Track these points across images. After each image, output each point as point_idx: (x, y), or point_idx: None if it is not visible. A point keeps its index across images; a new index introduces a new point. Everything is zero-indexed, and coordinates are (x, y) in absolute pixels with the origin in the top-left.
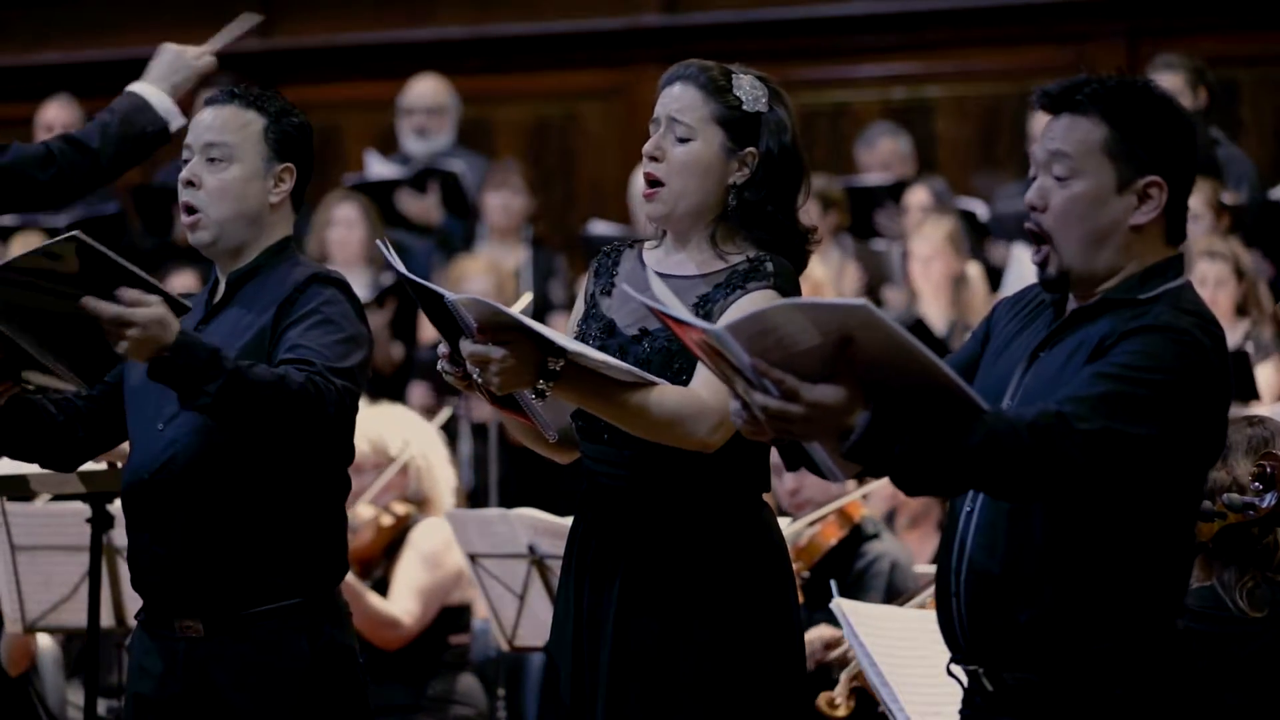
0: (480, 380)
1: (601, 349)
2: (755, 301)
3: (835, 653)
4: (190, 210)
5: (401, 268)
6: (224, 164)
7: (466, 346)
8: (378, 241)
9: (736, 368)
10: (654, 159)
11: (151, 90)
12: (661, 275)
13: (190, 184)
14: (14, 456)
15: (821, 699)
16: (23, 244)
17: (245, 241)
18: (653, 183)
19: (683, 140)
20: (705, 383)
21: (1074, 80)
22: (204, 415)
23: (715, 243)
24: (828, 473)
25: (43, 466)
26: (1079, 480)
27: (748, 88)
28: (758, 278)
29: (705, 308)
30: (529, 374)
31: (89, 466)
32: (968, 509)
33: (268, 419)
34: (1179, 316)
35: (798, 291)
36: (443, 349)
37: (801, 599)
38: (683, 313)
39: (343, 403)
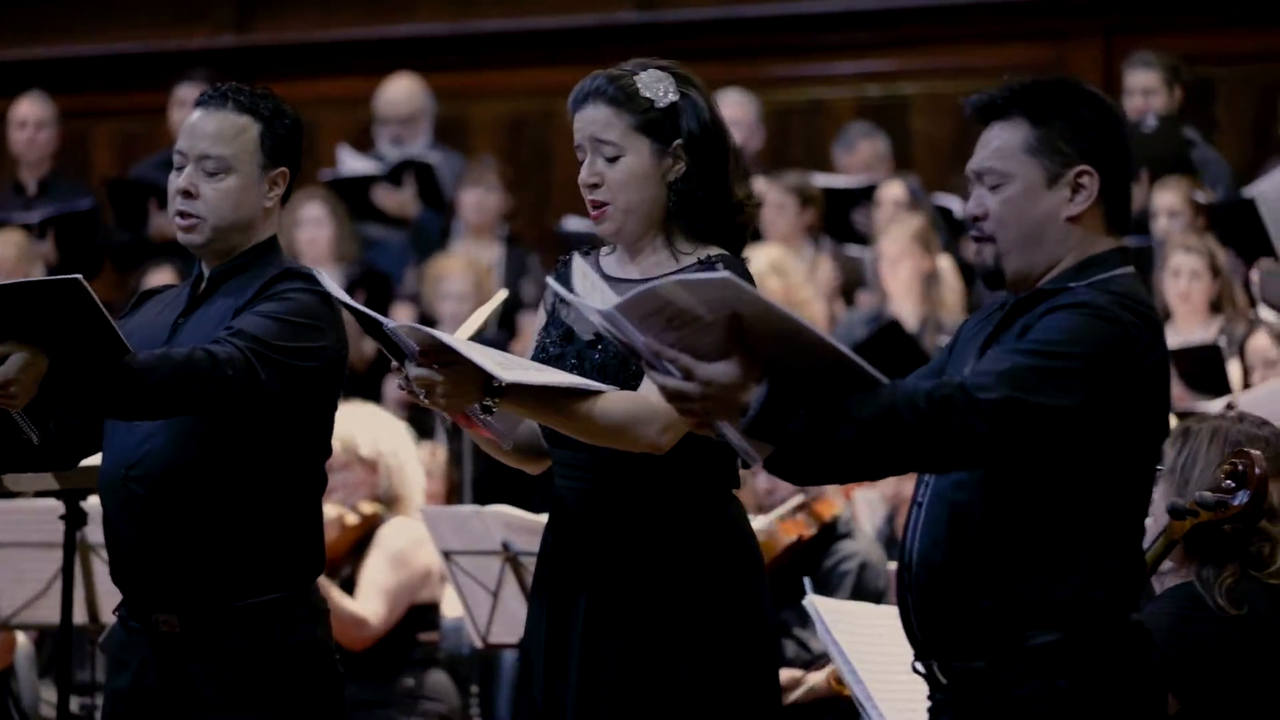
0: (427, 401)
1: (559, 355)
2: None
3: (794, 695)
4: (185, 215)
5: (343, 296)
6: (221, 175)
7: (411, 370)
8: (317, 272)
9: (634, 349)
10: (594, 185)
11: None
12: (616, 279)
13: (187, 194)
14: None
15: (831, 675)
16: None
17: (237, 244)
18: (598, 205)
19: (613, 159)
20: (655, 387)
21: (996, 88)
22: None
23: (670, 242)
24: (742, 454)
25: (43, 469)
26: (982, 449)
27: (653, 83)
28: None
29: None
30: (474, 393)
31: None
32: (919, 501)
33: (166, 398)
34: (1099, 295)
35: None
36: (395, 366)
37: None
38: (587, 297)
39: (249, 369)
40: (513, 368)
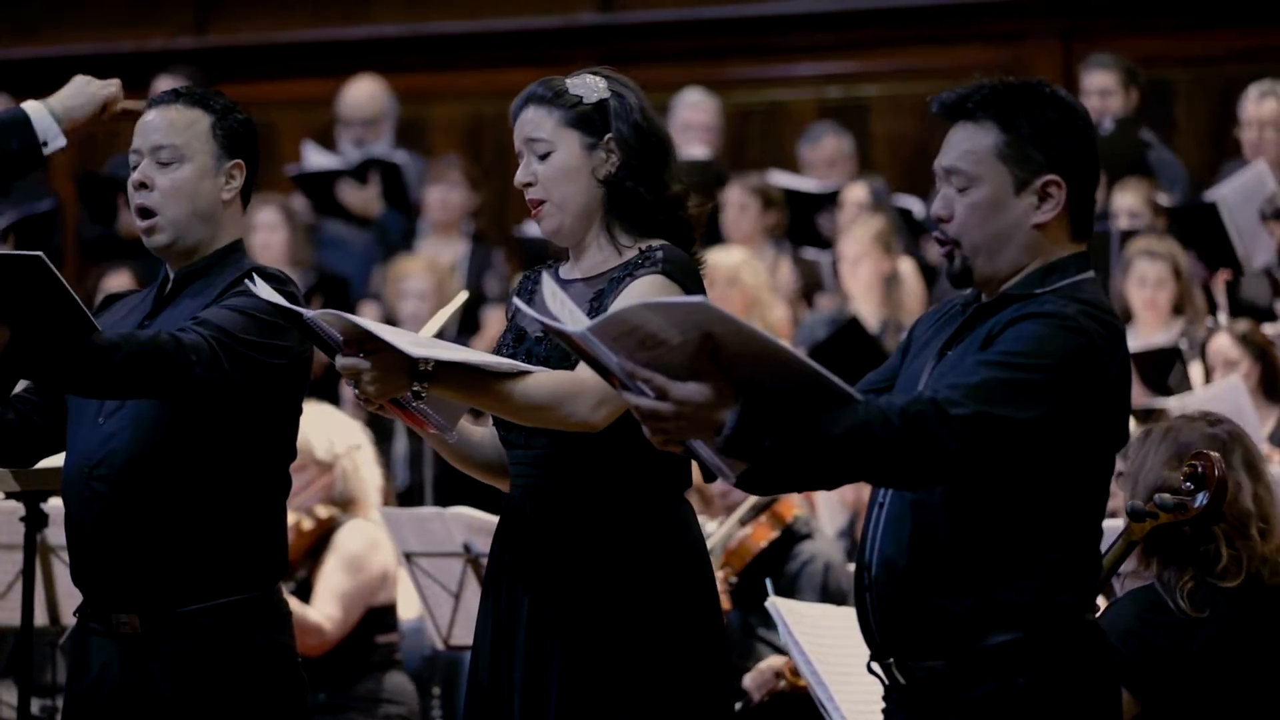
0: (357, 391)
1: (511, 356)
2: (642, 288)
3: (785, 681)
4: (145, 214)
5: (268, 295)
6: (175, 164)
7: (338, 360)
8: (246, 281)
9: (608, 369)
10: (528, 184)
11: (38, 108)
12: (566, 282)
13: (143, 186)
14: None
15: (785, 665)
16: None
17: (200, 240)
18: (536, 204)
19: (544, 156)
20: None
21: (967, 88)
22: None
23: (612, 239)
24: (716, 471)
25: (2, 464)
26: (953, 465)
27: (583, 83)
28: (647, 265)
29: (599, 303)
30: (401, 379)
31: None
32: (880, 501)
33: (129, 377)
34: (1066, 304)
35: (693, 278)
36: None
37: (729, 604)
38: (560, 317)
39: (213, 357)
40: (432, 348)
